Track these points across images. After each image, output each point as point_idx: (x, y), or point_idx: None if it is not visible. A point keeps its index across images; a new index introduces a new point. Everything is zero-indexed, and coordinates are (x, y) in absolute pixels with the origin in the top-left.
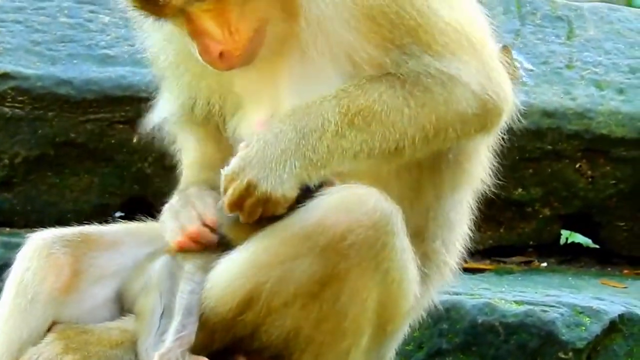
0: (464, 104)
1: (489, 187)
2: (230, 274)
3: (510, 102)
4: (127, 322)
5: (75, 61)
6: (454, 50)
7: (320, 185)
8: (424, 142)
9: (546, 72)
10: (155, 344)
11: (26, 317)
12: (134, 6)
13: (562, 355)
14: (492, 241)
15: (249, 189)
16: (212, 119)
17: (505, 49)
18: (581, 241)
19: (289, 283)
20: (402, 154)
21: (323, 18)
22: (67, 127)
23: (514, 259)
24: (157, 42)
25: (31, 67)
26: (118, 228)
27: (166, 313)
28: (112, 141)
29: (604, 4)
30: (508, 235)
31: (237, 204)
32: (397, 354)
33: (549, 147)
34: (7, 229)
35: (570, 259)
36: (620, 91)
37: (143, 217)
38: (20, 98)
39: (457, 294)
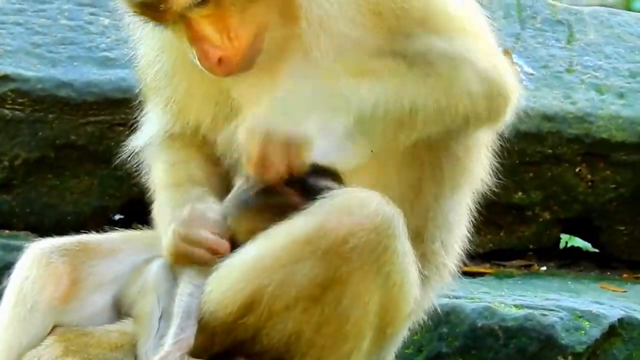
0: (471, 82)
1: (489, 190)
2: (231, 277)
3: (516, 91)
4: (126, 325)
5: (75, 63)
6: (461, 36)
7: (325, 188)
8: (437, 112)
9: (546, 76)
10: (154, 347)
11: (25, 326)
12: (134, 12)
13: (561, 359)
14: (492, 245)
15: (268, 136)
16: (197, 138)
17: (506, 52)
18: (580, 245)
19: (290, 286)
20: (415, 120)
21: (327, 18)
22: (67, 130)
23: (513, 262)
24: (151, 51)
25: (31, 69)
26: (116, 236)
27: (164, 315)
28: (112, 144)
29: (604, 8)
30: (508, 238)
31: (260, 159)
32: (396, 357)
33: (549, 151)
34: (7, 231)
35: (569, 263)
36: (621, 95)
37: (143, 220)
38: (21, 100)
39: (456, 297)
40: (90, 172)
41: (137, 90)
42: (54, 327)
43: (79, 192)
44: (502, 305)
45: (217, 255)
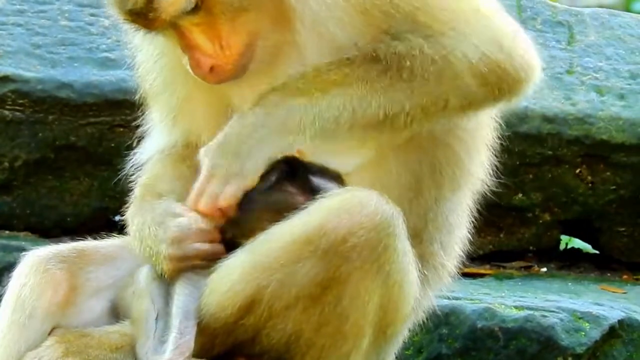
0: (461, 77)
1: (489, 191)
2: (230, 278)
3: (530, 67)
4: (126, 326)
5: (75, 64)
6: (456, 26)
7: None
8: (422, 112)
9: (547, 77)
10: (154, 348)
11: (24, 332)
12: (125, 20)
13: None
14: (492, 246)
15: (212, 171)
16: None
17: None
18: (580, 247)
19: (290, 286)
20: (397, 123)
21: (318, 19)
22: (67, 131)
23: (513, 264)
24: (150, 57)
25: (31, 70)
26: (113, 242)
27: (161, 316)
28: (112, 145)
29: (604, 9)
30: (508, 240)
31: (199, 192)
32: (396, 358)
33: (549, 152)
34: (7, 232)
35: (569, 264)
36: (621, 97)
37: None
38: (21, 101)
39: (456, 298)
40: (90, 174)
41: (137, 92)
42: (54, 328)
43: (78, 193)
44: (502, 306)
45: (214, 260)
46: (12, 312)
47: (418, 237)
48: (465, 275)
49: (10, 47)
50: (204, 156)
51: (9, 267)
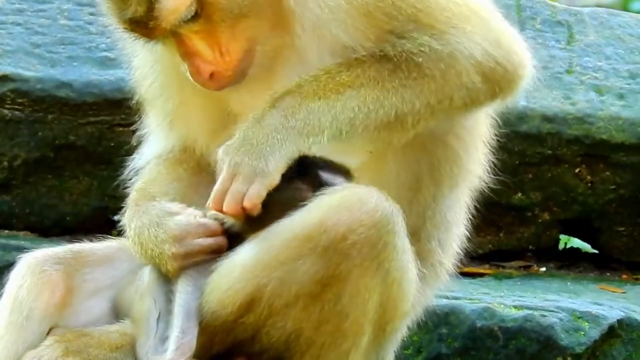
0: (467, 74)
1: (489, 190)
2: (231, 277)
3: (525, 65)
4: (126, 326)
5: (75, 63)
6: (457, 24)
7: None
8: (429, 110)
9: (546, 77)
10: (155, 348)
11: (22, 333)
12: (124, 29)
13: None
14: (491, 246)
15: (233, 171)
16: (188, 156)
17: None
18: (580, 246)
19: (290, 284)
20: (405, 122)
21: (319, 22)
22: (66, 130)
23: (513, 263)
24: (145, 63)
25: (31, 70)
26: (109, 244)
27: (162, 316)
28: (112, 144)
29: (604, 9)
30: (507, 239)
31: (222, 193)
32: (396, 357)
33: (549, 152)
34: (6, 231)
35: (569, 264)
36: (620, 96)
37: None
38: (20, 100)
39: (456, 298)
40: (89, 173)
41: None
42: (52, 328)
43: (78, 192)
44: (502, 306)
45: (218, 254)
46: (10, 313)
47: (416, 234)
48: (465, 274)
49: (10, 46)
50: (224, 155)
51: (9, 267)
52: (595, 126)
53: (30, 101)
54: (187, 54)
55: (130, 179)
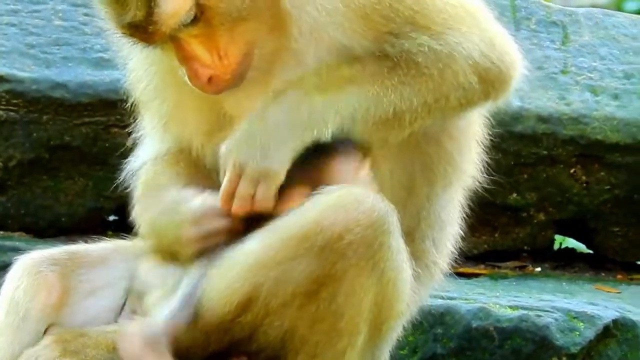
0: (463, 74)
1: (484, 190)
2: (227, 276)
3: (517, 66)
4: (124, 326)
5: (70, 64)
6: (453, 25)
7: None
8: (426, 109)
9: (541, 77)
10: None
11: (18, 334)
12: (122, 34)
13: None
14: (486, 246)
15: (239, 170)
16: (185, 156)
17: None
18: (575, 246)
19: (287, 284)
20: (402, 121)
21: (316, 25)
22: (61, 131)
23: (508, 263)
24: (140, 65)
25: (26, 70)
26: (104, 245)
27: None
28: (107, 145)
29: (598, 9)
30: (503, 240)
31: (229, 194)
32: (391, 357)
33: (544, 152)
34: (1, 232)
35: (564, 264)
36: (615, 97)
37: None
38: (15, 101)
39: (451, 298)
40: (84, 174)
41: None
42: (49, 327)
43: (73, 193)
44: (497, 306)
45: (234, 237)
46: (6, 314)
47: (410, 235)
48: (460, 275)
49: (4, 47)
50: (228, 152)
51: (4, 268)
52: (590, 126)
53: (25, 102)
54: (186, 58)
55: (127, 182)
